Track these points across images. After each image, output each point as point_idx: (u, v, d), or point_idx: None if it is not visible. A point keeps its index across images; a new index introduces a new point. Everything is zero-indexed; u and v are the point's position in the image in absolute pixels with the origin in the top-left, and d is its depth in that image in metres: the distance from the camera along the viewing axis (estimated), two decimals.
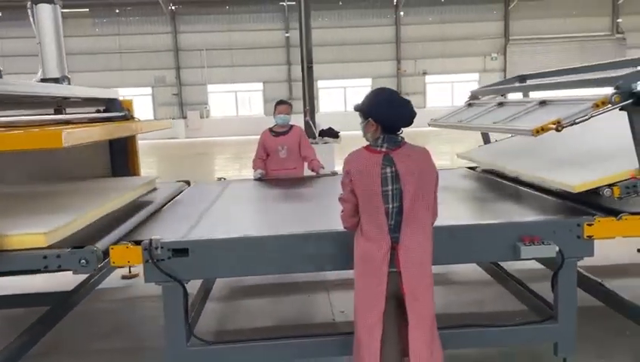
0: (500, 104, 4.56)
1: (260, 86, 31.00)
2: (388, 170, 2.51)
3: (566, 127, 2.93)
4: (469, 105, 5.35)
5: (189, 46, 30.50)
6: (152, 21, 30.30)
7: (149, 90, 30.48)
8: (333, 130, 7.54)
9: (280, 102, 5.58)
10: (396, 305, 2.62)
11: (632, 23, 30.06)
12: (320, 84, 29.82)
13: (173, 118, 28.85)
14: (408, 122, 2.60)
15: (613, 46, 30.38)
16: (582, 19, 30.12)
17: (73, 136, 2.88)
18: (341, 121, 14.23)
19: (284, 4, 29.53)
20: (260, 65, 30.42)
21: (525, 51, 30.08)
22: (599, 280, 3.75)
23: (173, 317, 2.97)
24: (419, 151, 2.62)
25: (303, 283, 5.13)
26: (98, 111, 5.32)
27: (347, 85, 29.86)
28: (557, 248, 2.92)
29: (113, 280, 5.22)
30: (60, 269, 2.89)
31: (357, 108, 2.70)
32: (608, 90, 3.00)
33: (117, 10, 29.43)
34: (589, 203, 3.23)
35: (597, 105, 2.97)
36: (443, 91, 30.82)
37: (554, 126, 2.95)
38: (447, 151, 17.42)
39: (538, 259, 4.19)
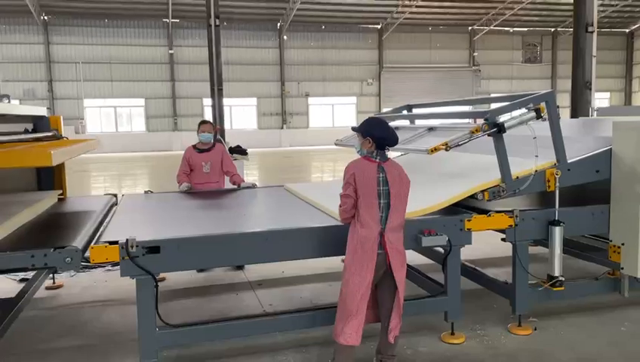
0: (396, 128, 5.56)
1: (141, 102, 30.38)
2: (381, 175, 3.37)
3: (453, 147, 3.93)
4: None
5: (63, 58, 29.13)
6: (21, 30, 28.51)
7: (15, 103, 28.40)
8: (241, 147, 8.18)
9: (203, 122, 6.14)
10: (381, 279, 3.45)
11: (485, 57, 34.32)
12: (205, 102, 30.06)
13: None
14: (394, 143, 3.48)
15: (470, 76, 34.43)
16: (444, 52, 33.79)
17: (59, 154, 3.30)
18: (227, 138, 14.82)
19: (168, 20, 29.43)
20: (141, 81, 29.91)
21: (397, 78, 32.97)
22: (474, 266, 4.86)
23: (145, 305, 3.47)
24: (398, 165, 3.52)
25: (227, 285, 5.71)
26: (26, 130, 5.47)
27: (233, 104, 30.36)
28: (447, 238, 3.90)
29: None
30: (45, 267, 3.29)
31: (356, 130, 3.53)
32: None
33: None
34: (468, 206, 4.27)
35: (472, 132, 4.01)
36: (324, 113, 32.61)
37: (444, 147, 3.94)
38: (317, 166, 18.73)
39: (421, 251, 5.23)
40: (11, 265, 3.21)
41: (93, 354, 4.08)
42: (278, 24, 31.05)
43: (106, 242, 3.44)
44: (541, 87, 33.22)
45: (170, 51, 30.05)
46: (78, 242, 3.50)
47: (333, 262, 5.79)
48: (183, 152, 6.13)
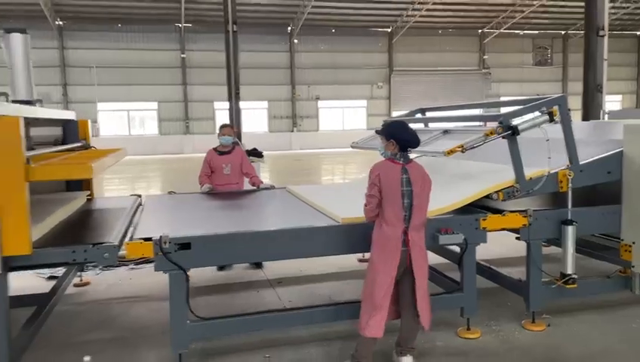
0: None
1: (154, 105, 30.74)
2: (404, 176, 3.55)
3: (468, 149, 4.09)
4: None
5: (77, 62, 29.52)
6: (36, 35, 28.54)
7: None
8: (257, 150, 8.39)
9: (224, 125, 6.36)
10: (401, 275, 3.63)
11: (495, 59, 34.36)
12: (216, 105, 30.37)
13: None
14: (416, 145, 3.64)
15: (481, 79, 34.48)
16: (454, 55, 33.84)
17: (98, 167, 3.51)
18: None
19: (181, 25, 29.78)
20: (154, 85, 30.21)
21: (407, 81, 33.09)
22: (488, 265, 5.01)
23: (177, 299, 3.66)
24: (420, 166, 3.70)
25: (247, 283, 5.91)
26: (57, 141, 5.66)
27: (243, 107, 30.48)
28: (463, 236, 4.06)
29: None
30: (85, 262, 3.50)
31: (380, 132, 3.72)
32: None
33: None
34: (483, 206, 4.42)
35: (487, 135, 4.17)
36: (334, 116, 32.80)
37: (460, 149, 4.10)
38: (328, 169, 18.90)
39: (437, 251, 5.37)
40: (54, 259, 3.43)
41: (125, 346, 4.28)
42: (289, 28, 31.30)
43: (140, 239, 3.63)
44: (552, 90, 33.22)
45: (183, 55, 30.38)
46: (114, 239, 3.71)
47: (350, 261, 6.00)
48: (194, 155, 6.36)
